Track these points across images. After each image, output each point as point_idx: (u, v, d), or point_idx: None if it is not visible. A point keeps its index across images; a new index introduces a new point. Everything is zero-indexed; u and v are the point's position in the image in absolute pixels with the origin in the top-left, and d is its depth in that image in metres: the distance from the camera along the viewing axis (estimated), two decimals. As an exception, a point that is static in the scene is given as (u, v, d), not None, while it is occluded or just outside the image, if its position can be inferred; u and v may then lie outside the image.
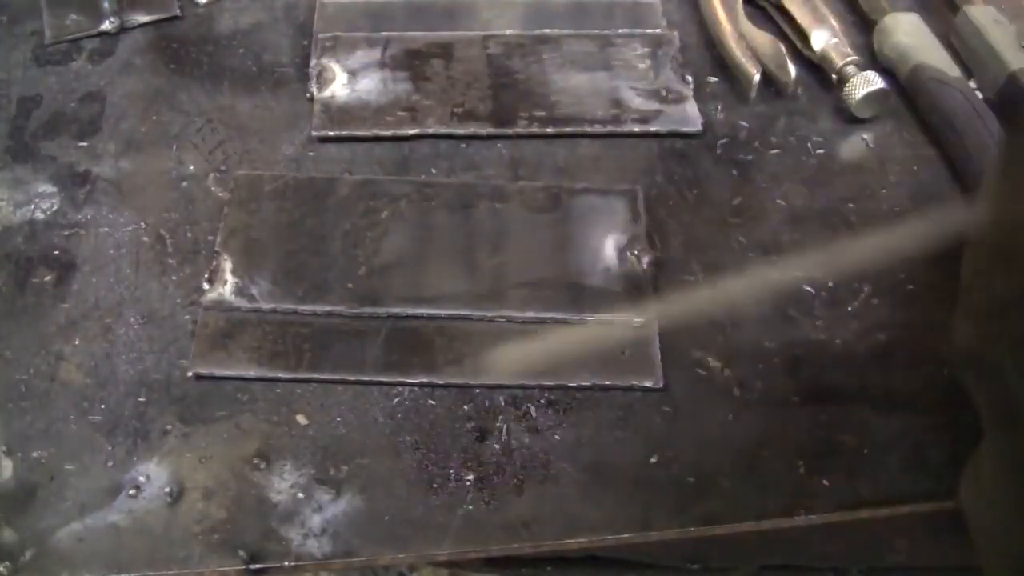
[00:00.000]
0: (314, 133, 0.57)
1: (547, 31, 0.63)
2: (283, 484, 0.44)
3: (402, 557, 0.42)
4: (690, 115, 0.58)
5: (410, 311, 0.49)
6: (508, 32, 0.62)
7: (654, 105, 0.58)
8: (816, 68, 0.60)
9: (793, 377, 0.47)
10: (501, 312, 0.49)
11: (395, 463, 0.45)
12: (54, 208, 0.54)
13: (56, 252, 0.52)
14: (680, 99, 0.59)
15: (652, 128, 0.57)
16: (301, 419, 0.46)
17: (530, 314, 0.49)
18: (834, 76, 0.58)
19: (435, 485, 0.44)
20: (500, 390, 0.47)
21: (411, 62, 0.60)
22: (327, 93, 0.59)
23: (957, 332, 0.32)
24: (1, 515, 0.43)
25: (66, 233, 0.53)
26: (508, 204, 0.53)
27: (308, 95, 0.59)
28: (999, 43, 0.57)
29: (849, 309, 0.50)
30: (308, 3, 0.65)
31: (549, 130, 0.57)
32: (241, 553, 0.42)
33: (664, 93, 0.59)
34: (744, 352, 0.48)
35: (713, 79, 0.61)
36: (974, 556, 0.32)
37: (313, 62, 0.61)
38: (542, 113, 0.58)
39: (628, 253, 0.51)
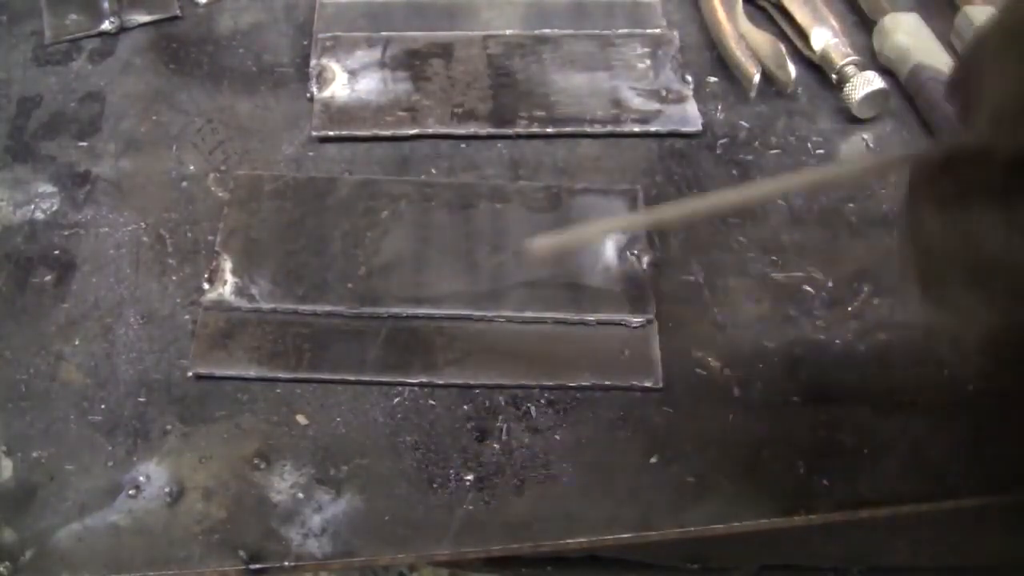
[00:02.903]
0: (314, 133, 0.57)
1: (547, 31, 0.63)
2: (283, 484, 0.44)
3: (402, 557, 0.42)
4: (690, 115, 0.58)
5: (410, 311, 0.49)
6: (508, 32, 0.62)
7: (654, 105, 0.58)
8: (816, 68, 0.60)
9: (793, 377, 0.47)
10: (501, 312, 0.49)
11: (395, 463, 0.45)
12: (54, 208, 0.54)
13: (56, 252, 0.52)
14: (680, 99, 0.59)
15: (652, 128, 0.57)
16: (301, 419, 0.46)
17: (530, 314, 0.49)
18: (834, 76, 0.58)
19: (435, 485, 0.44)
20: (500, 390, 0.47)
21: (411, 62, 0.60)
22: (327, 93, 0.59)
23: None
24: (1, 515, 0.43)
25: (66, 233, 0.53)
26: (508, 204, 0.53)
27: (308, 95, 0.59)
28: (999, 43, 0.57)
29: (849, 309, 0.50)
30: (308, 3, 0.65)
31: (549, 130, 0.57)
32: (241, 553, 0.42)
33: (664, 93, 0.59)
34: (744, 352, 0.48)
35: (713, 79, 0.61)
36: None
37: (313, 62, 0.61)
38: (542, 113, 0.58)
39: (628, 253, 0.51)
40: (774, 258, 0.52)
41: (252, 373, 0.47)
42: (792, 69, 0.58)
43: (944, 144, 0.27)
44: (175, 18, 0.64)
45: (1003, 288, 0.25)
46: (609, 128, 0.57)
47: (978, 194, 0.25)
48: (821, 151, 0.57)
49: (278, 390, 0.47)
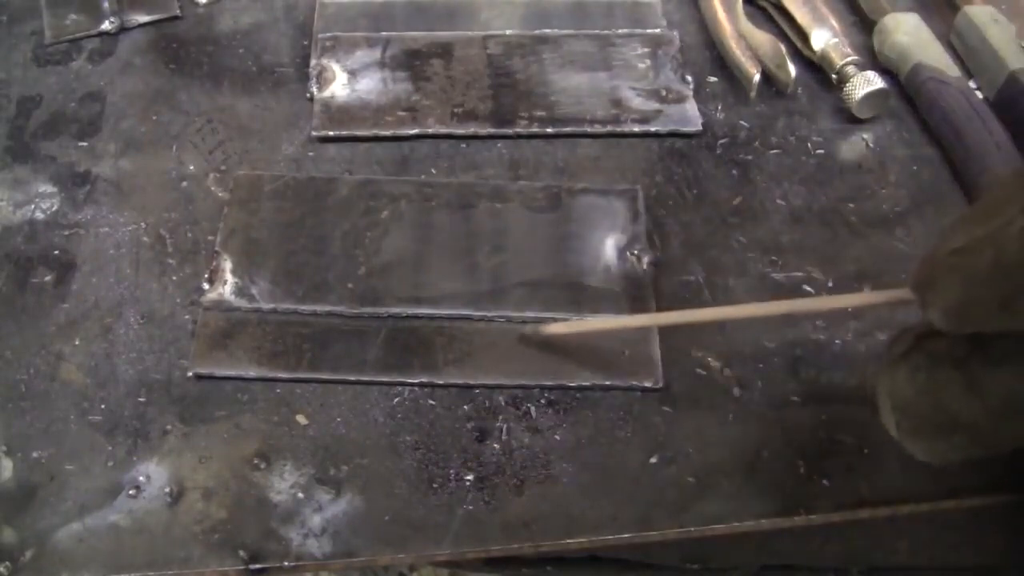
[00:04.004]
0: (314, 133, 0.57)
1: (547, 31, 0.63)
2: (283, 484, 0.44)
3: (402, 557, 0.42)
4: (690, 115, 0.58)
5: (410, 311, 0.49)
6: (508, 32, 0.63)
7: (654, 105, 0.58)
8: (816, 68, 0.60)
9: (793, 377, 0.47)
10: (501, 312, 0.49)
11: (395, 463, 0.45)
12: (54, 208, 0.54)
13: (56, 252, 0.52)
14: (680, 99, 0.59)
15: (652, 128, 0.57)
16: (301, 419, 0.46)
17: (530, 314, 0.49)
18: (834, 76, 0.58)
19: (435, 485, 0.44)
20: (500, 390, 0.47)
21: (411, 62, 0.60)
22: (327, 93, 0.59)
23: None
24: (1, 515, 0.43)
25: (66, 233, 0.53)
26: (508, 204, 0.53)
27: (308, 95, 0.59)
28: (999, 43, 0.57)
29: (849, 309, 0.50)
30: (308, 3, 0.65)
31: (549, 130, 0.57)
32: (241, 553, 0.42)
33: (664, 93, 0.59)
34: (744, 352, 0.48)
35: (713, 79, 0.61)
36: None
37: (313, 62, 0.61)
38: (542, 113, 0.58)
39: (628, 253, 0.51)
40: (774, 258, 0.52)
41: (252, 373, 0.47)
42: (792, 69, 0.58)
43: (916, 325, 0.34)
44: (175, 18, 0.64)
45: (964, 439, 0.33)
46: (609, 128, 0.57)
47: (944, 363, 0.32)
48: (821, 151, 0.57)
49: (278, 390, 0.47)
